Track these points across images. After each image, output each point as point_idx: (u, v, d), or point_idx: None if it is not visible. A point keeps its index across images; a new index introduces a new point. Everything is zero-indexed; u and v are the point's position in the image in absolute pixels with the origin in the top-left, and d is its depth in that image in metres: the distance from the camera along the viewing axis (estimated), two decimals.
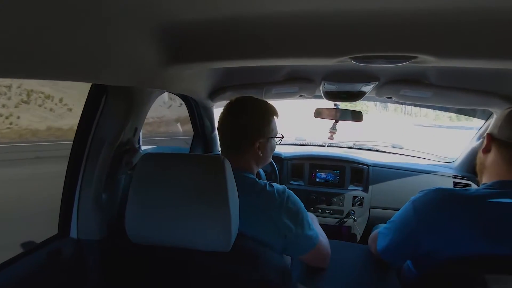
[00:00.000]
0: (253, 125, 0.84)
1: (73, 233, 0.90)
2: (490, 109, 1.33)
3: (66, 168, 0.90)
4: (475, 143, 1.57)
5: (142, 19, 0.58)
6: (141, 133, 1.07)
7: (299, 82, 1.35)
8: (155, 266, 0.67)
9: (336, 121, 1.76)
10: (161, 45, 0.71)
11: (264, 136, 0.86)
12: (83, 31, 0.49)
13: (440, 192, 0.74)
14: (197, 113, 1.58)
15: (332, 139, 1.88)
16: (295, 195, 0.81)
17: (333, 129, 1.81)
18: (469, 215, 0.67)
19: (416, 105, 1.92)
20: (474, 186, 1.59)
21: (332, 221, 1.70)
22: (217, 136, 1.43)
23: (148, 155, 0.67)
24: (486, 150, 0.78)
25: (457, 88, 1.20)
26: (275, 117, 0.90)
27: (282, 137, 0.93)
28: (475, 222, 0.66)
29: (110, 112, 0.87)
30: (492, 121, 1.35)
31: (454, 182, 1.62)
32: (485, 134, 0.79)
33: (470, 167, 1.62)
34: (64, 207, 0.90)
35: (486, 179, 0.78)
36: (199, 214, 0.62)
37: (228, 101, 0.89)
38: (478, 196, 0.70)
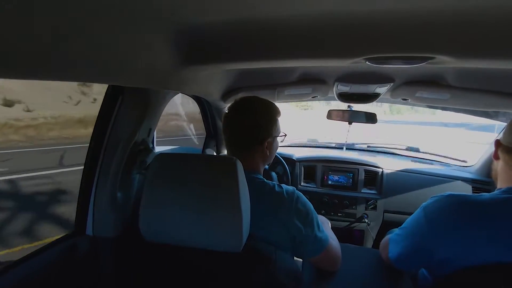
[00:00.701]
0: (262, 124, 0.85)
1: (89, 231, 0.93)
2: None
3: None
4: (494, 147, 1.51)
5: (158, 21, 0.59)
6: (155, 133, 1.09)
7: (312, 84, 1.34)
8: (166, 264, 0.68)
9: (349, 123, 1.73)
10: (175, 47, 0.72)
11: (272, 135, 0.87)
12: (101, 34, 0.51)
13: (452, 198, 0.71)
14: (210, 114, 1.60)
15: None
16: (304, 197, 0.81)
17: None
18: (482, 221, 0.65)
19: (431, 107, 1.87)
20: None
21: (345, 224, 1.67)
22: None
23: (162, 155, 0.69)
24: (496, 157, 0.78)
25: (477, 90, 1.15)
26: (279, 116, 0.91)
27: (285, 135, 0.94)
28: (488, 228, 0.64)
29: (125, 112, 0.90)
30: None
31: (473, 187, 1.57)
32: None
33: (489, 171, 1.56)
34: (80, 205, 0.93)
35: (499, 185, 0.76)
36: (210, 214, 0.62)
37: (234, 102, 0.89)
38: (491, 202, 0.67)
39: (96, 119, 0.92)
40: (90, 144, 0.92)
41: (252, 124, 0.84)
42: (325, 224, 1.15)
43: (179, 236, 0.65)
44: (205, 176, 0.64)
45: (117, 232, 0.93)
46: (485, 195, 0.71)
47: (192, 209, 0.63)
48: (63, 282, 0.82)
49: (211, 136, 1.69)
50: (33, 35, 0.41)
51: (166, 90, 0.97)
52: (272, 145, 0.88)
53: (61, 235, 0.90)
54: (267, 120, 0.86)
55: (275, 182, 0.81)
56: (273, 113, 0.88)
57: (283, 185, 0.80)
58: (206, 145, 1.67)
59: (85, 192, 0.92)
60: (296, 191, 0.80)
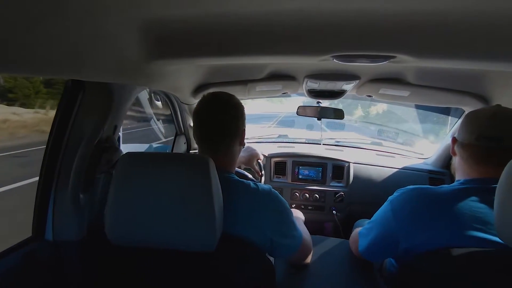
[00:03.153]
0: (235, 118, 0.84)
1: (49, 235, 0.87)
2: (464, 108, 1.40)
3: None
4: (448, 140, 1.64)
5: (122, 13, 0.56)
6: (121, 131, 1.04)
7: (282, 80, 1.36)
8: (136, 268, 0.65)
9: (319, 118, 1.79)
10: (143, 40, 0.69)
11: (243, 129, 0.86)
12: (61, 24, 0.47)
13: (416, 191, 0.76)
14: (180, 111, 1.56)
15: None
16: (280, 195, 0.81)
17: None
18: (442, 210, 0.71)
19: (394, 104, 1.99)
20: (448, 181, 1.66)
21: (315, 217, 1.73)
22: None
23: (130, 154, 0.66)
24: (453, 153, 0.84)
25: (433, 87, 1.25)
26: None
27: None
28: (447, 216, 0.69)
29: (87, 109, 0.84)
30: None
31: (429, 177, 1.70)
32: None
33: (444, 163, 1.70)
34: (38, 208, 0.86)
35: (457, 177, 0.82)
36: (182, 214, 0.61)
37: (204, 96, 0.86)
38: (450, 192, 0.73)
39: (54, 116, 0.85)
40: (48, 142, 0.86)
41: (226, 118, 0.82)
42: (299, 218, 1.18)
43: (149, 238, 0.63)
44: (176, 175, 0.62)
45: (80, 235, 0.88)
46: (445, 186, 0.77)
47: (162, 209, 0.61)
48: None
49: (181, 134, 1.65)
50: None
51: (132, 85, 0.93)
52: (243, 139, 0.88)
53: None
54: (238, 113, 0.85)
55: (250, 181, 0.80)
56: (242, 107, 0.87)
57: (259, 184, 0.79)
58: (176, 144, 1.63)
59: (44, 194, 0.86)
60: (272, 190, 0.80)
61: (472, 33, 0.64)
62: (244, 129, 0.86)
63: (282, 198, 0.81)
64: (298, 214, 1.26)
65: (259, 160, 1.40)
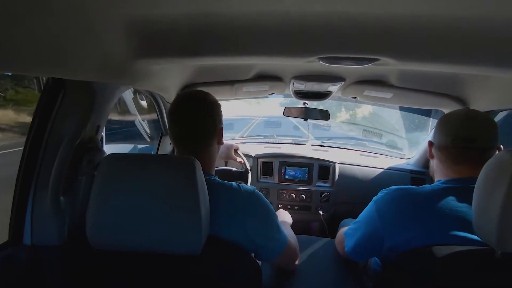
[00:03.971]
0: (214, 115, 0.82)
1: (27, 239, 0.83)
2: (443, 110, 1.45)
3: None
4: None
5: (107, 10, 0.55)
6: (104, 132, 1.01)
7: (269, 81, 1.37)
8: (119, 273, 0.63)
9: (305, 119, 1.81)
10: (128, 39, 0.67)
11: (221, 129, 0.84)
12: (43, 20, 0.45)
13: (399, 191, 0.79)
14: (165, 111, 1.53)
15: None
16: (263, 197, 0.79)
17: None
18: (425, 209, 0.73)
19: (379, 105, 2.04)
20: (429, 180, 1.72)
21: (301, 217, 1.75)
22: None
23: (113, 155, 0.64)
24: (431, 156, 0.87)
25: (415, 90, 1.29)
26: None
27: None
28: (430, 215, 0.72)
29: (68, 108, 0.81)
30: None
31: (411, 177, 1.75)
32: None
33: (425, 163, 1.76)
34: (15, 212, 0.83)
35: (437, 178, 0.85)
36: (168, 217, 0.60)
37: (179, 94, 0.84)
38: (432, 192, 0.76)
39: (33, 116, 0.82)
40: (26, 143, 0.82)
41: (203, 116, 0.80)
42: (285, 222, 1.17)
43: (133, 242, 0.61)
44: (161, 177, 0.61)
45: (61, 240, 0.85)
46: (427, 186, 0.80)
47: (147, 212, 0.60)
48: None
49: (167, 134, 1.62)
50: None
51: (116, 84, 0.90)
52: (221, 138, 0.86)
53: None
54: (215, 112, 0.83)
55: (232, 182, 0.79)
56: (219, 105, 0.86)
57: (242, 185, 0.78)
58: (161, 144, 1.60)
59: (22, 197, 0.82)
60: (256, 191, 0.78)
61: (449, 38, 0.67)
62: (222, 128, 0.85)
63: (266, 199, 0.80)
64: (286, 217, 1.25)
65: (237, 150, 1.42)
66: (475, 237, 0.65)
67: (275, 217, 0.81)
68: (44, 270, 0.84)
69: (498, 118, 1.28)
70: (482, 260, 0.64)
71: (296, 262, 0.95)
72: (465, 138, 0.77)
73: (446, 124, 0.82)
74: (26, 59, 0.50)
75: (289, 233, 0.94)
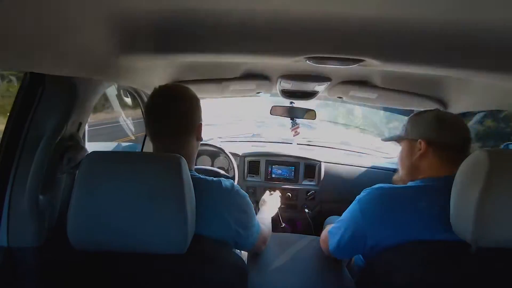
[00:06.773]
0: (193, 109, 0.81)
1: (3, 241, 0.79)
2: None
3: None
4: None
5: (90, 2, 0.53)
6: (86, 129, 0.98)
7: (256, 80, 1.37)
8: (102, 274, 0.62)
9: (292, 118, 1.83)
10: (110, 33, 0.65)
11: (200, 124, 0.83)
12: (20, 11, 0.43)
13: (381, 190, 0.81)
14: None
15: (298, 134, 1.95)
16: (241, 189, 0.81)
17: (294, 126, 1.88)
18: (406, 206, 0.76)
19: (364, 105, 2.08)
20: None
21: (287, 215, 1.76)
22: None
23: (95, 153, 0.62)
24: (407, 156, 0.88)
25: (398, 91, 1.33)
26: None
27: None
28: (410, 211, 0.74)
29: (48, 104, 0.78)
30: None
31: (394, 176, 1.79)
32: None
33: None
34: None
35: (421, 176, 0.86)
36: (153, 216, 0.59)
37: (156, 88, 0.81)
38: (412, 189, 0.79)
39: (10, 112, 0.79)
40: (2, 140, 0.79)
41: (185, 109, 0.79)
42: (274, 203, 1.38)
43: (116, 241, 0.60)
44: (146, 175, 0.60)
45: (39, 241, 0.82)
46: (407, 184, 0.82)
47: (131, 211, 0.58)
48: None
49: None
50: None
51: (98, 80, 0.88)
52: (200, 134, 0.84)
53: None
54: (194, 106, 0.82)
55: (212, 177, 0.79)
56: (198, 99, 0.84)
57: (222, 179, 0.78)
58: (146, 142, 1.57)
59: None
60: (235, 184, 0.80)
61: (430, 41, 0.70)
62: (201, 124, 0.83)
63: (244, 191, 0.82)
64: (273, 200, 1.44)
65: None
66: (452, 233, 0.68)
67: (252, 206, 0.85)
68: (21, 273, 0.80)
69: (475, 119, 1.35)
70: (458, 255, 0.66)
71: (266, 244, 1.02)
72: (438, 140, 0.81)
73: (418, 125, 0.86)
74: (2, 53, 0.47)
75: (260, 217, 1.01)
